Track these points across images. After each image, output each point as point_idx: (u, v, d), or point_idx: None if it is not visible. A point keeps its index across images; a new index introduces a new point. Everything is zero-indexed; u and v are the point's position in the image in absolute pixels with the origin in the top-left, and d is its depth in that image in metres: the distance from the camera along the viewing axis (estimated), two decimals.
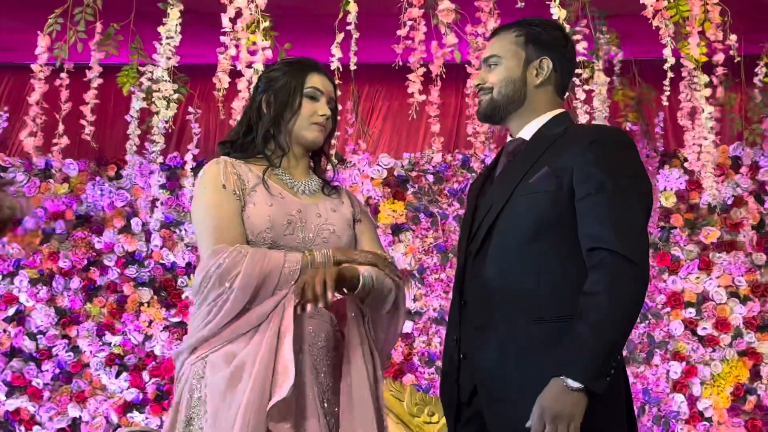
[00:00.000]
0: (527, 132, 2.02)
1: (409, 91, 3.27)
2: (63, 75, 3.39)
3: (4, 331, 4.33)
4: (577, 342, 1.75)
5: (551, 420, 1.73)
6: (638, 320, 4.01)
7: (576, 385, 1.73)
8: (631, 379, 4.01)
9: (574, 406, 1.73)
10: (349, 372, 1.98)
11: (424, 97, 3.29)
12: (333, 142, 2.40)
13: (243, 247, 1.96)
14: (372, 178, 4.43)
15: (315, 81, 2.12)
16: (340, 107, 2.39)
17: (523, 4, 3.03)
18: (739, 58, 3.29)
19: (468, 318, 1.95)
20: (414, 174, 4.44)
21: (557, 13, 3.07)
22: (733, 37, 3.23)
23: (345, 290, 2.01)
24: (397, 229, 4.40)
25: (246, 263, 1.92)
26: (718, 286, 4.24)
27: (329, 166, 2.28)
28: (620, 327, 1.79)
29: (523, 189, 1.91)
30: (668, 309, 4.24)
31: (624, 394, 1.91)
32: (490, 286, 1.91)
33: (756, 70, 3.68)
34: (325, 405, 1.98)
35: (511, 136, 2.07)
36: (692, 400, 4.15)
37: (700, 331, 4.22)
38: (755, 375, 4.18)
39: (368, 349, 2.02)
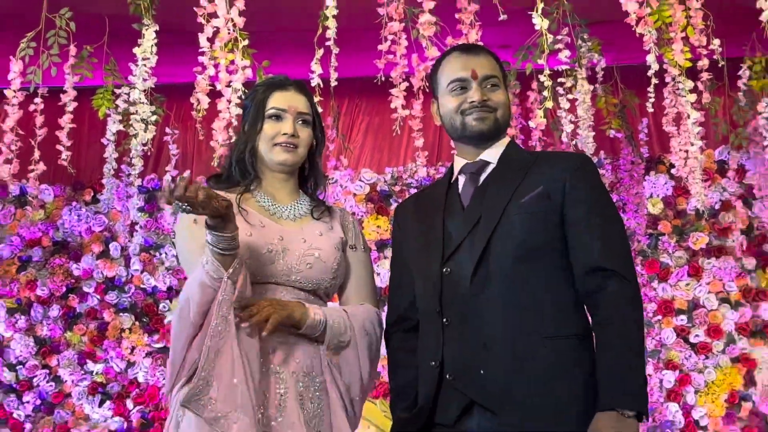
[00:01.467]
0: (489, 155, 2.05)
1: (392, 106, 3.23)
2: (37, 100, 3.33)
3: None
4: (623, 373, 1.80)
5: None
6: None
7: (632, 413, 1.79)
8: None
9: (630, 429, 1.79)
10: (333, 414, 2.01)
11: (407, 112, 3.25)
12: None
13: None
14: (355, 194, 4.42)
15: (276, 100, 2.10)
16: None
17: (506, 16, 3.02)
18: (722, 62, 3.28)
19: (457, 337, 1.93)
20: (397, 188, 4.43)
21: (539, 23, 3.05)
22: (717, 41, 3.21)
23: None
24: (382, 245, 4.37)
25: (186, 284, 1.94)
26: (709, 292, 4.24)
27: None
28: (642, 348, 1.87)
29: (516, 208, 1.94)
30: (659, 317, 4.24)
31: None
32: (496, 304, 1.90)
33: (739, 73, 3.66)
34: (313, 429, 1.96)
35: (463, 158, 2.07)
36: (687, 409, 4.14)
37: (692, 339, 4.21)
38: (749, 381, 4.16)
39: (339, 395, 2.02)
